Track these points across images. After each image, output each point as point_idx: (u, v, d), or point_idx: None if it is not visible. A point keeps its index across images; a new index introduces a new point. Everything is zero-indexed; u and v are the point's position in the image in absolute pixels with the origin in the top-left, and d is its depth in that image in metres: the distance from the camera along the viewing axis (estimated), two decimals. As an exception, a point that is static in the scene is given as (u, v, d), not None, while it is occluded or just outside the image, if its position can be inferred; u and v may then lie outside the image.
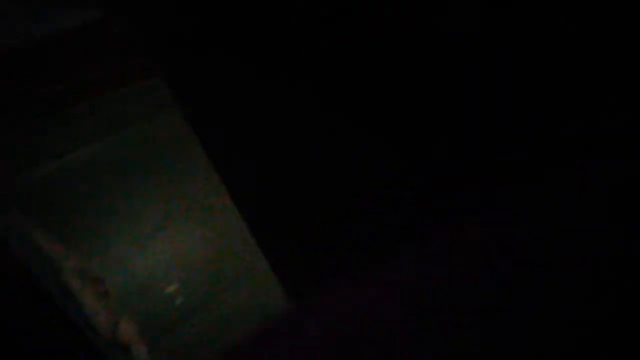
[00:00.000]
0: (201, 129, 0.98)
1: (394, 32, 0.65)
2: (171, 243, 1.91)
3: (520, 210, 0.54)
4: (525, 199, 0.55)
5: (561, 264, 0.47)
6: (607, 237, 0.48)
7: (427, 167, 0.67)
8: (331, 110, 0.71)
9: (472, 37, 0.62)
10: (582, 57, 0.62)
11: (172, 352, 1.84)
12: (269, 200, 0.86)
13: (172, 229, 1.91)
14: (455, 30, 0.61)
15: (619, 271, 0.46)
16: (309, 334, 0.48)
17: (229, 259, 1.97)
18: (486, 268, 0.48)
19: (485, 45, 0.63)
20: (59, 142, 1.72)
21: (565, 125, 0.63)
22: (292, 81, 0.74)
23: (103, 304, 1.65)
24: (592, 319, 0.44)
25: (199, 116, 1.00)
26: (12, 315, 1.43)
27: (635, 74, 0.61)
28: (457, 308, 0.46)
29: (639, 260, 0.46)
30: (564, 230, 0.50)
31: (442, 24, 0.60)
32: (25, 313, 1.44)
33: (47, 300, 1.47)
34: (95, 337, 1.55)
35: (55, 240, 1.58)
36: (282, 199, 0.83)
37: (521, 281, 0.46)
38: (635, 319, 0.43)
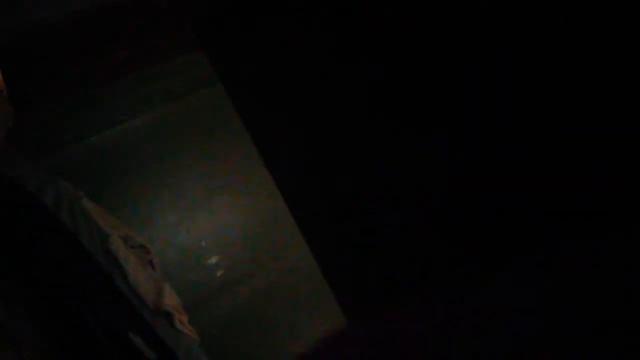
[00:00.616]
0: (244, 111, 0.98)
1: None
2: (214, 216, 1.94)
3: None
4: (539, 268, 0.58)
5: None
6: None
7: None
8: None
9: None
10: (582, 57, 0.60)
11: (212, 322, 1.89)
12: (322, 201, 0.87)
13: (215, 202, 1.95)
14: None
15: None
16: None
17: (270, 233, 1.99)
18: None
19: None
20: (107, 115, 1.76)
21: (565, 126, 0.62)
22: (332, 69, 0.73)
23: (147, 273, 1.69)
24: None
25: (241, 96, 1.00)
26: (60, 281, 1.49)
27: (635, 73, 0.59)
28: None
29: None
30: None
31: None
32: (73, 280, 1.51)
33: (95, 267, 1.53)
34: (139, 304, 1.60)
35: (104, 210, 1.63)
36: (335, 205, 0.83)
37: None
38: None
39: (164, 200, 1.86)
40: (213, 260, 1.92)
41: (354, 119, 0.73)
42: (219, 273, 1.92)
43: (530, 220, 0.68)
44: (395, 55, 0.68)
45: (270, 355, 1.92)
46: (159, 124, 1.84)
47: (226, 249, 1.95)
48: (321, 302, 1.99)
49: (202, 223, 1.92)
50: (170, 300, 1.71)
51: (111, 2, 1.36)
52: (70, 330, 1.47)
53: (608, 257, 0.59)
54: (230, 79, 1.07)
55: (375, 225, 0.76)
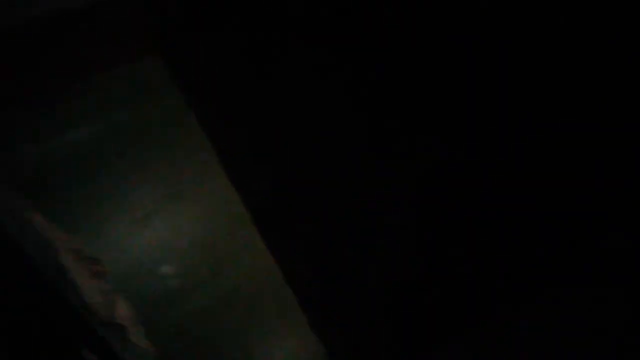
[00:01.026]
0: (207, 124, 0.97)
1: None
2: (166, 225, 1.91)
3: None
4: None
5: None
6: None
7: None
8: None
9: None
10: (582, 58, 0.64)
11: (166, 332, 1.85)
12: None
13: (167, 211, 1.91)
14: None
15: None
16: None
17: (223, 241, 1.98)
18: None
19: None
20: (53, 124, 1.69)
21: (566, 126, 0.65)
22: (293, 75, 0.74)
23: (99, 285, 1.65)
24: None
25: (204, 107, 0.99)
26: (8, 296, 1.42)
27: (635, 74, 0.63)
28: None
29: None
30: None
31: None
32: (21, 294, 1.44)
33: (44, 281, 1.47)
34: (91, 318, 1.55)
35: (52, 222, 1.57)
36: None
37: None
38: None
39: (115, 210, 1.80)
40: (167, 269, 1.89)
41: (354, 119, 0.75)
42: (173, 282, 1.89)
43: (530, 220, 0.71)
44: (395, 56, 0.70)
45: (228, 364, 1.91)
46: (111, 132, 1.78)
47: (181, 257, 1.91)
48: (281, 305, 2.00)
49: (156, 232, 1.88)
50: (124, 313, 1.68)
51: (79, 6, 1.31)
52: (27, 346, 1.40)
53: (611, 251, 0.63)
54: (197, 87, 1.06)
55: (376, 225, 0.78)
